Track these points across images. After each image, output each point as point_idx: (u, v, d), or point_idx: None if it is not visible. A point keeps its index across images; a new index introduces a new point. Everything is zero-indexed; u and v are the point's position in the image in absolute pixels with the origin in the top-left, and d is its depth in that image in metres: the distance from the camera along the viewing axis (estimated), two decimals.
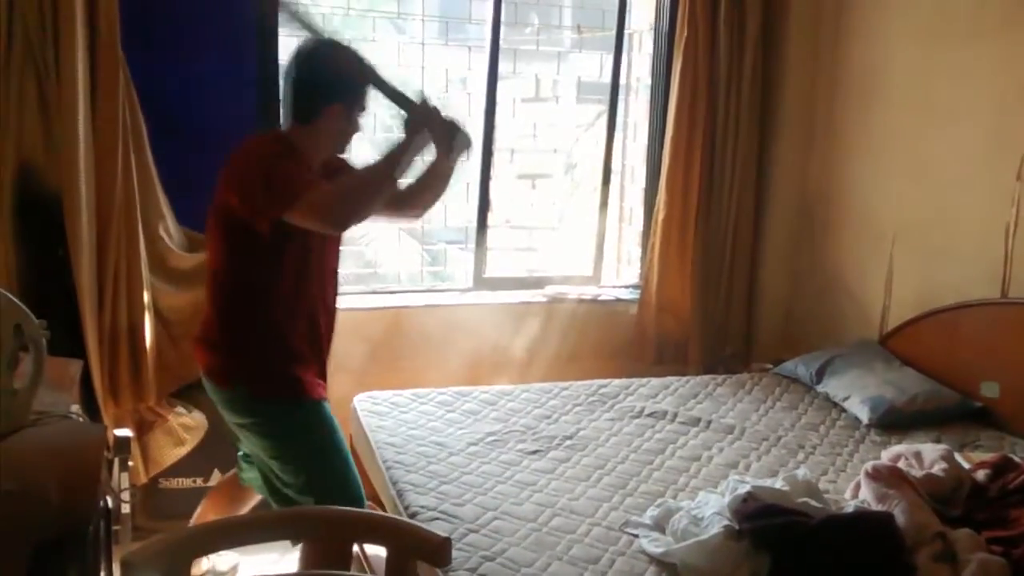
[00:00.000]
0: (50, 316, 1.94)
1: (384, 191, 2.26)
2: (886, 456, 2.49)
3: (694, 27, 3.83)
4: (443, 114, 2.34)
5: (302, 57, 2.30)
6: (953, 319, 3.19)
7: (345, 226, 2.22)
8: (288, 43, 3.50)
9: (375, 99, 2.37)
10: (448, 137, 2.35)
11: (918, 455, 2.39)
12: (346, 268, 3.76)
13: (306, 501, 2.33)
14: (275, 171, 2.15)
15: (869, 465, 2.24)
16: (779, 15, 3.95)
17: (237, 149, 2.26)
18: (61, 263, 2.91)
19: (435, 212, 3.87)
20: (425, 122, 2.31)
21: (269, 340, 2.32)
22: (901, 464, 2.35)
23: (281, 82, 2.38)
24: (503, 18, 3.88)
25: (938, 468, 2.27)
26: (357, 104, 2.33)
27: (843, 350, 3.51)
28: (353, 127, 2.36)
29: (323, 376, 2.46)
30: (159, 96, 3.15)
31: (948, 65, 3.30)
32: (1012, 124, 3.04)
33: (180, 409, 3.17)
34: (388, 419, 2.97)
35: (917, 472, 2.26)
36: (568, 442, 2.85)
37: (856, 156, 3.75)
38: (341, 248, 2.53)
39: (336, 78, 2.28)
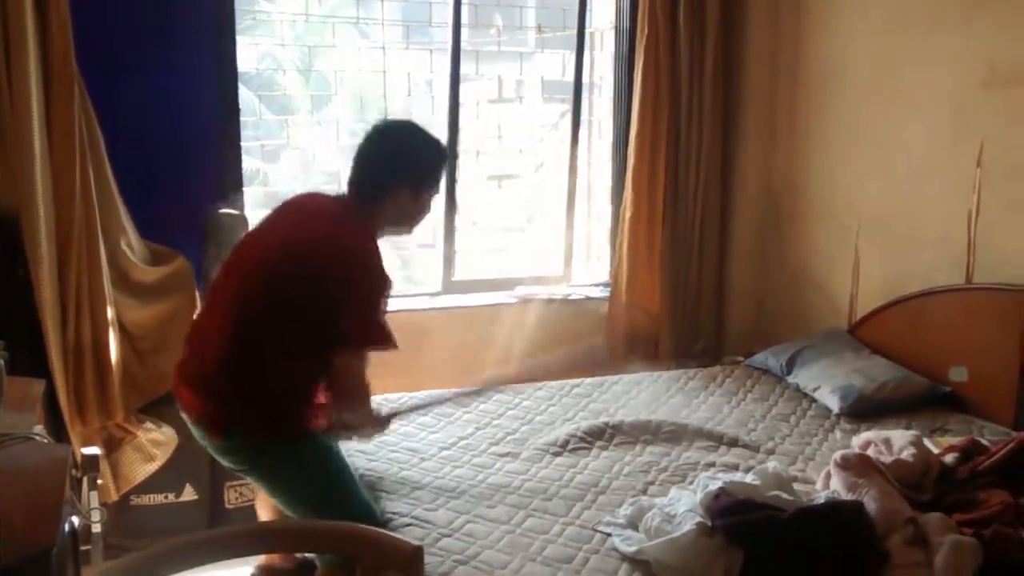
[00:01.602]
0: (12, 336, 1.92)
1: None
2: (856, 443, 2.51)
3: (654, 25, 3.84)
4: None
5: (375, 134, 2.30)
6: (919, 306, 3.23)
7: (351, 400, 2.32)
8: (248, 51, 3.52)
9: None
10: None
11: (887, 441, 2.41)
12: None
13: None
14: (376, 313, 2.19)
15: (838, 455, 2.26)
16: (739, 10, 3.97)
17: (341, 245, 2.17)
18: (22, 282, 2.86)
19: None
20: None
21: (276, 395, 2.23)
22: (871, 451, 2.37)
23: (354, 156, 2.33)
24: (465, 20, 3.88)
25: (907, 453, 2.29)
26: (429, 189, 2.32)
27: (812, 340, 3.53)
28: (421, 210, 2.35)
29: (321, 408, 2.37)
30: (118, 109, 3.11)
31: (907, 55, 3.33)
32: (972, 112, 3.07)
33: (149, 425, 3.13)
34: None
35: (887, 458, 2.28)
36: (541, 442, 2.85)
37: (819, 148, 3.78)
38: None
39: (405, 162, 2.28)
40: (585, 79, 4.18)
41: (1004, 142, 2.97)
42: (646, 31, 3.85)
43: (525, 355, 3.85)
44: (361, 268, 2.17)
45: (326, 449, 2.33)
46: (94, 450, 2.56)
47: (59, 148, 2.90)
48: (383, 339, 2.20)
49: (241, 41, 3.49)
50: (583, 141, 4.21)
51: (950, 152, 3.15)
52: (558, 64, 4.25)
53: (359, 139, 2.33)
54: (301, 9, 3.97)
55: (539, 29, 4.30)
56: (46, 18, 2.84)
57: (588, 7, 4.06)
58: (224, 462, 2.32)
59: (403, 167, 2.26)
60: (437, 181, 2.33)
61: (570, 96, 4.14)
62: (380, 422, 2.50)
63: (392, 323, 3.64)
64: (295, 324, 2.16)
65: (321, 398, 2.33)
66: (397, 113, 4.03)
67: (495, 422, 3.03)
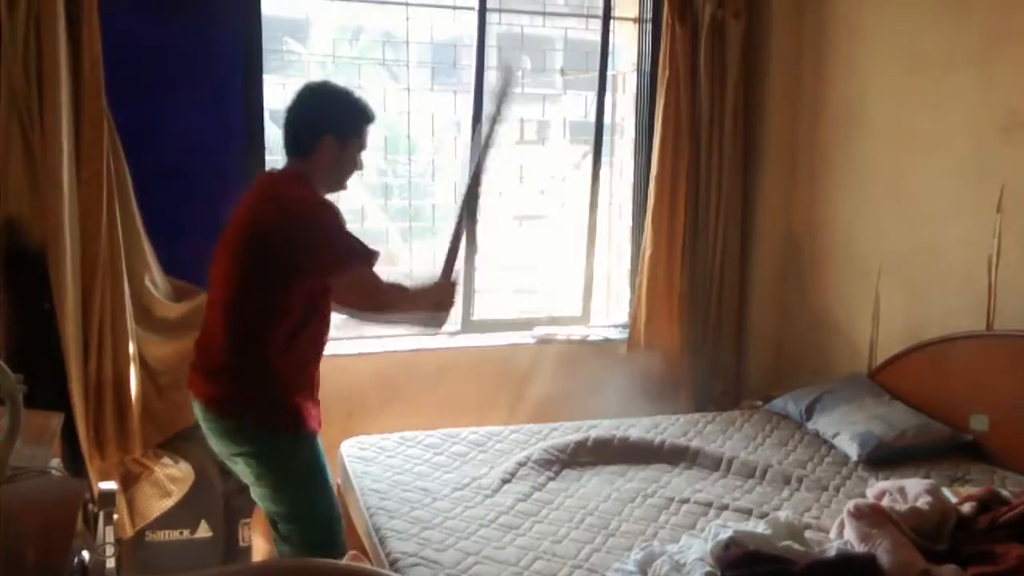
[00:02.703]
0: (35, 369, 1.94)
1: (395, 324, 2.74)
2: (870, 493, 2.47)
3: (675, 67, 3.87)
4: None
5: (298, 95, 2.45)
6: (940, 352, 3.19)
7: (365, 316, 2.55)
8: (274, 91, 3.58)
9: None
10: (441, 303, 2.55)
11: (902, 490, 2.37)
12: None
13: (291, 531, 2.38)
14: (340, 237, 2.33)
15: (851, 504, 2.22)
16: (760, 53, 3.99)
17: (284, 200, 2.33)
18: (47, 316, 2.92)
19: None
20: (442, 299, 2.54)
21: (278, 372, 2.35)
22: (885, 500, 2.34)
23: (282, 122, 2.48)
24: (491, 63, 3.93)
25: (922, 502, 2.25)
26: (351, 138, 2.44)
27: (832, 386, 3.50)
28: (349, 161, 2.46)
29: (317, 407, 2.49)
30: (145, 145, 3.17)
31: (925, 96, 3.33)
32: (990, 155, 3.06)
33: (166, 460, 3.15)
34: (374, 464, 2.96)
35: (902, 506, 2.24)
36: (552, 483, 2.84)
37: (839, 190, 3.77)
38: None
39: (325, 113, 2.42)
40: (607, 120, 4.21)
41: (1023, 189, 2.95)
42: (667, 74, 3.88)
43: (543, 397, 3.85)
44: (307, 210, 2.31)
45: (323, 458, 2.42)
46: (111, 485, 2.58)
47: (87, 184, 2.97)
48: (362, 253, 2.34)
49: (271, 80, 3.55)
50: (604, 182, 4.23)
51: (970, 196, 3.14)
52: (581, 106, 4.29)
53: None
54: (329, 51, 4.05)
55: (563, 72, 4.35)
56: (78, 55, 2.93)
57: (611, 50, 4.10)
58: (225, 447, 2.40)
59: (324, 118, 2.40)
60: (360, 131, 2.45)
61: (592, 137, 4.17)
62: (442, 292, 2.55)
63: (412, 362, 3.72)
64: (276, 283, 2.29)
65: (317, 396, 2.46)
66: (424, 154, 4.10)
67: (509, 462, 3.01)
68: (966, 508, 2.29)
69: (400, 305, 2.50)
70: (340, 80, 4.04)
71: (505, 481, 2.84)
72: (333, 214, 2.34)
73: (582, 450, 3.11)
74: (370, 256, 2.35)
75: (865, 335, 3.60)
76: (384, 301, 2.44)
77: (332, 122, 2.41)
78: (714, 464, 3.02)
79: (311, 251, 2.28)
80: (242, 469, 2.42)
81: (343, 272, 2.34)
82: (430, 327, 2.72)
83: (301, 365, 2.40)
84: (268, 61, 3.57)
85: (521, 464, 2.97)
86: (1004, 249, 3.00)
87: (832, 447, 3.18)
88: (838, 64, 3.76)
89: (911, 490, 2.34)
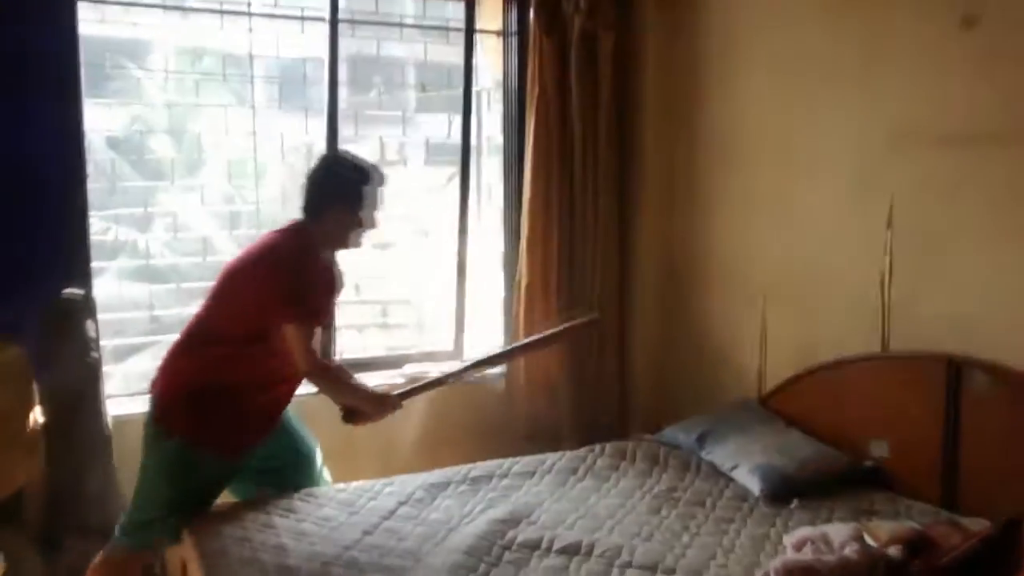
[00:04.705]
0: None
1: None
2: (790, 542, 2.27)
3: (544, 83, 3.66)
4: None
5: (317, 163, 2.86)
6: (834, 375, 3.08)
7: (300, 371, 2.74)
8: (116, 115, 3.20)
9: None
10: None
11: (825, 537, 2.18)
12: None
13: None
14: (298, 290, 2.65)
15: (779, 563, 2.00)
16: (633, 67, 3.84)
17: (277, 242, 2.72)
18: None
19: None
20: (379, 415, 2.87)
21: (240, 406, 2.68)
22: (808, 549, 2.14)
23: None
24: (343, 79, 3.60)
25: (849, 550, 2.07)
26: (359, 206, 2.76)
27: (723, 414, 3.33)
28: (358, 223, 2.78)
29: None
30: None
31: (806, 114, 3.24)
32: (878, 170, 2.97)
33: None
34: (224, 541, 2.52)
35: (829, 557, 2.04)
36: (435, 547, 2.51)
37: (721, 212, 3.65)
38: None
39: (334, 184, 2.76)
40: (472, 141, 3.94)
41: (913, 202, 2.87)
42: (536, 90, 3.66)
43: (418, 443, 3.53)
44: (289, 261, 2.66)
45: (216, 475, 2.73)
46: None
47: None
48: (304, 314, 2.65)
49: (108, 104, 3.43)
50: (471, 206, 3.96)
51: (857, 214, 3.05)
52: (442, 125, 4.01)
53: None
54: (160, 65, 3.63)
55: (423, 88, 4.06)
56: None
57: (474, 66, 3.85)
58: (145, 455, 2.70)
59: (331, 189, 2.75)
60: (364, 199, 2.76)
61: (454, 158, 3.90)
62: (381, 402, 2.86)
63: None
64: (236, 311, 2.68)
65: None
66: (270, 175, 3.80)
67: (385, 523, 2.67)
68: (892, 551, 2.11)
69: (329, 384, 2.79)
70: (180, 98, 3.70)
71: (382, 553, 2.47)
72: (311, 268, 2.70)
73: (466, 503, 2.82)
74: (310, 318, 2.67)
75: (753, 361, 3.47)
76: (309, 366, 2.69)
77: (339, 193, 2.74)
78: (608, 513, 2.77)
79: (271, 290, 2.62)
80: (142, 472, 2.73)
81: (280, 319, 2.62)
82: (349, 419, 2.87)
83: (266, 404, 2.78)
84: (102, 83, 3.38)
85: (402, 523, 2.65)
86: (897, 267, 2.91)
87: (730, 480, 2.99)
88: (714, 79, 3.64)
89: (835, 537, 2.16)
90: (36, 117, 2.99)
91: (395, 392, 2.94)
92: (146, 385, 2.81)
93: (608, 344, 3.84)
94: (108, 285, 3.56)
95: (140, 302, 3.58)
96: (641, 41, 3.82)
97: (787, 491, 2.82)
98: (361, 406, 2.82)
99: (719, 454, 3.09)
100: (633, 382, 3.95)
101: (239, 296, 2.68)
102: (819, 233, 3.20)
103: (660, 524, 2.68)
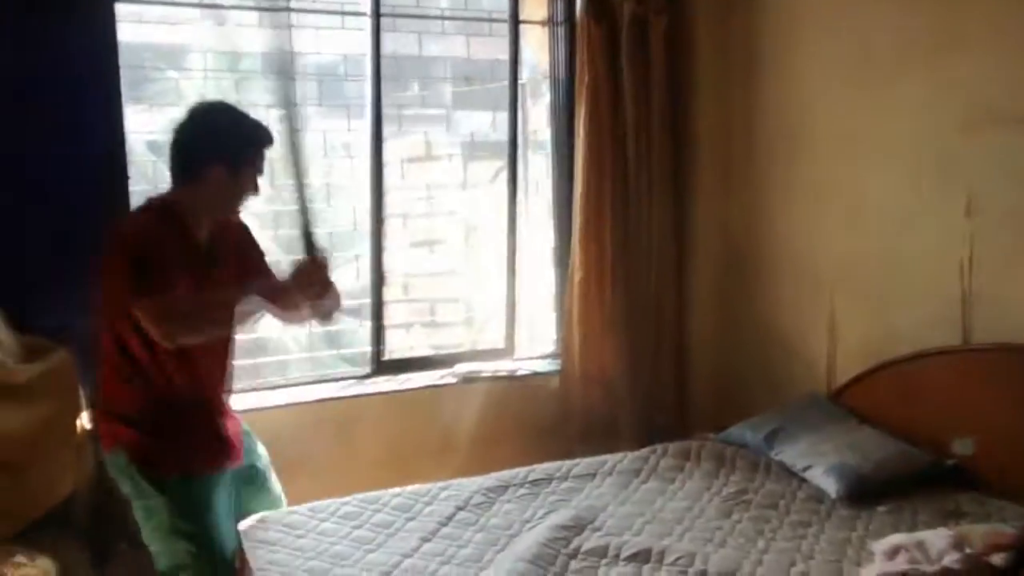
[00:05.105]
0: None
1: (219, 327, 2.32)
2: (880, 550, 2.11)
3: (594, 72, 3.53)
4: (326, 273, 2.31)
5: (185, 116, 2.31)
6: (912, 370, 2.92)
7: (173, 343, 2.21)
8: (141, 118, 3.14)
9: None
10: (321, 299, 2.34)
11: (921, 545, 2.03)
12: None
13: None
14: (111, 275, 2.20)
15: (872, 574, 1.86)
16: (686, 52, 3.70)
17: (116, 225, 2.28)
18: None
19: None
20: (306, 284, 2.29)
21: (155, 411, 2.32)
22: (902, 558, 1.99)
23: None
24: (383, 75, 3.51)
25: (949, 560, 1.92)
26: (243, 164, 2.29)
27: (791, 411, 3.18)
28: (240, 187, 2.32)
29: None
30: None
31: (874, 102, 3.09)
32: (953, 154, 2.82)
33: (20, 559, 2.58)
34: (280, 550, 2.43)
35: (927, 567, 1.89)
36: (497, 554, 2.40)
37: (781, 202, 3.51)
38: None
39: (215, 137, 2.28)
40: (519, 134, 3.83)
41: (992, 187, 2.72)
42: (585, 79, 3.53)
43: (470, 442, 3.43)
44: (116, 240, 2.22)
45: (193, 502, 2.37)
46: None
47: None
48: (130, 291, 2.18)
49: (148, 107, 3.31)
50: (519, 201, 3.84)
51: (932, 201, 2.90)
52: (485, 120, 3.90)
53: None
54: (199, 64, 3.56)
55: (467, 80, 3.95)
56: None
57: (520, 56, 3.73)
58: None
59: (214, 144, 2.27)
60: (254, 158, 2.31)
61: (499, 154, 3.79)
62: (307, 275, 2.31)
63: (314, 414, 3.23)
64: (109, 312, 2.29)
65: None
66: (312, 175, 3.67)
67: (444, 529, 2.57)
68: (995, 559, 1.95)
69: (207, 312, 2.28)
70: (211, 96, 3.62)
71: (442, 560, 2.38)
72: (120, 248, 2.20)
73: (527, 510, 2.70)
74: (141, 294, 2.16)
75: (820, 356, 3.33)
76: (169, 338, 2.19)
77: (221, 148, 2.26)
78: (677, 517, 2.64)
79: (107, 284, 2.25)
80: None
81: (120, 306, 2.22)
82: (319, 317, 2.45)
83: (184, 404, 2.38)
84: (142, 86, 3.31)
85: (460, 529, 2.54)
86: (977, 255, 2.75)
87: (803, 480, 2.84)
88: (771, 62, 3.51)
89: (932, 545, 2.00)
90: (78, 121, 2.93)
91: (294, 260, 2.36)
92: None
93: (665, 339, 3.71)
94: None
95: None
96: (693, 23, 3.69)
97: (866, 492, 2.68)
98: (284, 300, 2.35)
99: (790, 453, 2.94)
100: (691, 378, 3.82)
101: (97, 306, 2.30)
102: (890, 221, 3.05)
103: (733, 529, 2.56)
